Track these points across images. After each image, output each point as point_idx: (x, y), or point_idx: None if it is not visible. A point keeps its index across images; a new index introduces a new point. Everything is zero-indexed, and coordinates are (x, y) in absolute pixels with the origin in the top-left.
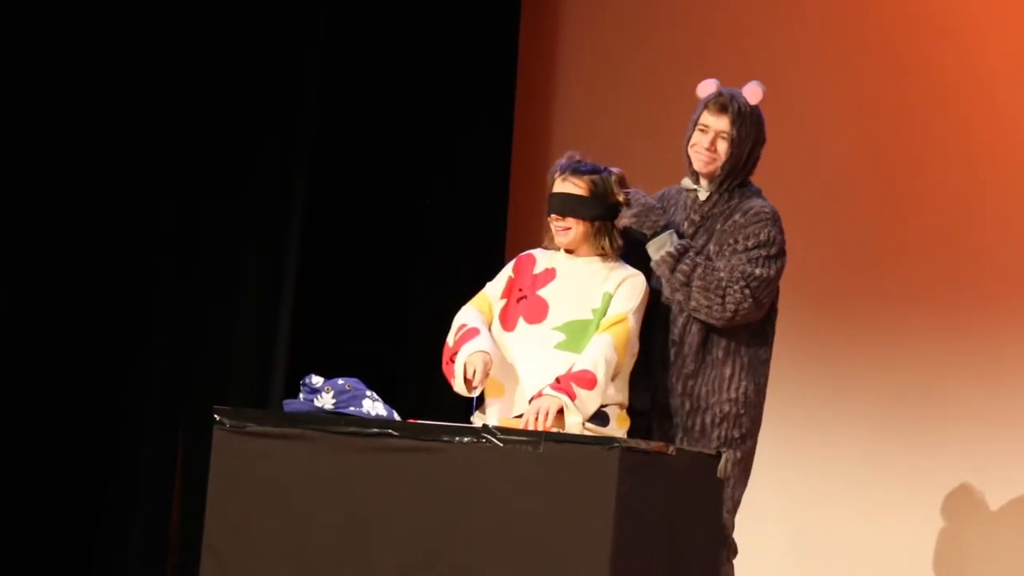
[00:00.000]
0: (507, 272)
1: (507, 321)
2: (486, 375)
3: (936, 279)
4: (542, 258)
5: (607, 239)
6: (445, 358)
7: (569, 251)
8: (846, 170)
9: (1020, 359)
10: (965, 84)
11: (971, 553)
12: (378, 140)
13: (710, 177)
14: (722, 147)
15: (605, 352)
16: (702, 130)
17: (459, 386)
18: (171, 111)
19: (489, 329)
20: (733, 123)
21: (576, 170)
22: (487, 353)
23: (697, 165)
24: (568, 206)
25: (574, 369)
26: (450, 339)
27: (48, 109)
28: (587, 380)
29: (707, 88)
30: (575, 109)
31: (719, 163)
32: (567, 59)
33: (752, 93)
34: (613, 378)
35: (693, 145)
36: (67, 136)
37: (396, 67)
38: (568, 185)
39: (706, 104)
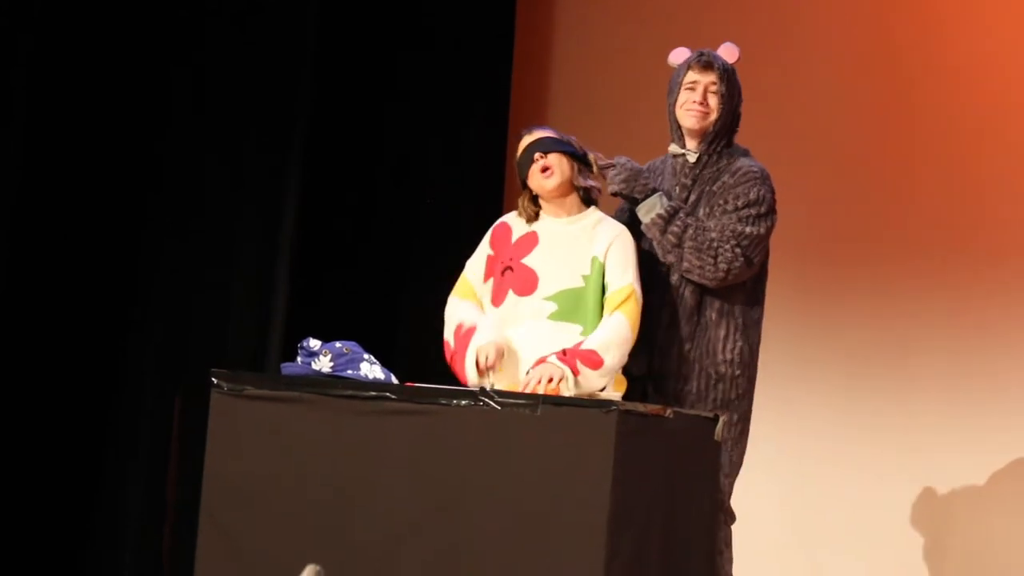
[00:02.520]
0: (485, 250)
1: (496, 296)
2: (499, 357)
3: (931, 241)
4: (518, 224)
5: (588, 179)
6: (448, 356)
7: (554, 197)
8: (841, 135)
9: (1012, 320)
10: (965, 48)
11: (958, 510)
12: (376, 110)
13: (702, 135)
14: (713, 101)
15: (619, 336)
16: (690, 88)
17: (472, 377)
18: (170, 71)
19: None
20: (720, 78)
21: (537, 126)
22: (497, 342)
23: (690, 123)
24: (547, 144)
25: (583, 346)
26: (449, 337)
27: (45, 92)
28: (593, 361)
29: (680, 55)
30: (571, 93)
31: (712, 118)
32: (563, 43)
33: (729, 53)
34: None
35: (682, 105)
36: (61, 103)
37: (391, 45)
38: (536, 133)
39: (689, 64)
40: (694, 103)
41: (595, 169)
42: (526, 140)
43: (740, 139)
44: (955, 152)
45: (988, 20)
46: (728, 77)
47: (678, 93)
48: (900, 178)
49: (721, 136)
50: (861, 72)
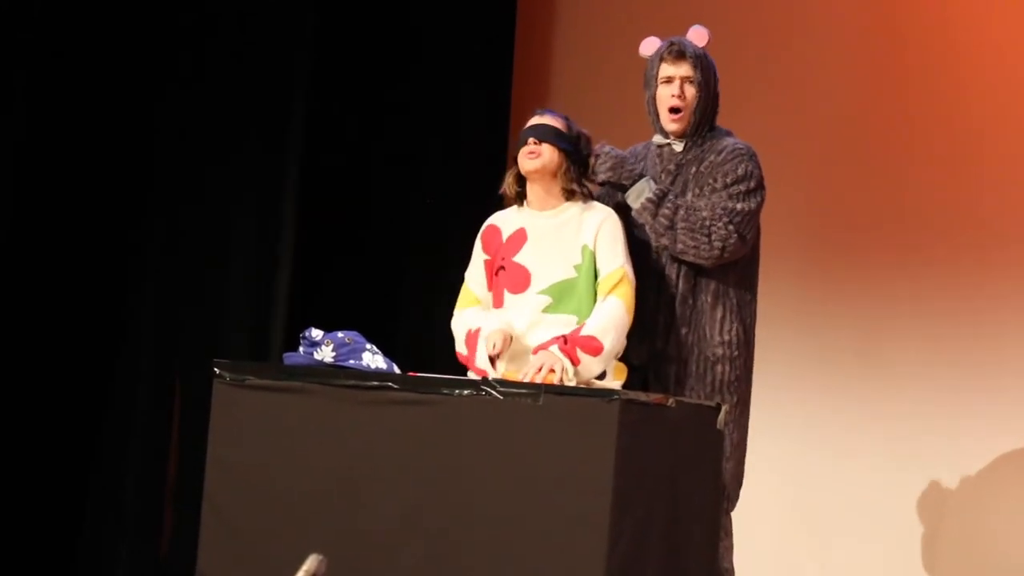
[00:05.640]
0: (480, 256)
1: (495, 298)
2: (506, 343)
3: (932, 230)
4: (506, 223)
5: (575, 182)
6: (463, 360)
7: (535, 180)
8: (843, 123)
9: (1006, 308)
10: (965, 38)
11: (957, 495)
12: (377, 94)
13: (681, 134)
14: (689, 92)
15: (615, 319)
16: (666, 81)
17: (487, 368)
18: (168, 56)
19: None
20: (694, 67)
21: (553, 112)
22: (504, 329)
23: (675, 127)
24: (545, 133)
25: (582, 332)
26: (461, 347)
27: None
28: (593, 347)
29: (651, 45)
30: (574, 68)
31: (689, 110)
32: (563, 39)
33: (698, 36)
34: None
35: (661, 100)
36: (59, 95)
37: (392, 28)
38: (545, 118)
39: (661, 56)
40: (673, 96)
41: (590, 170)
42: (532, 120)
43: (738, 125)
44: (953, 140)
45: (991, 8)
46: (701, 63)
47: (655, 88)
48: (900, 167)
49: (704, 123)
50: (862, 60)
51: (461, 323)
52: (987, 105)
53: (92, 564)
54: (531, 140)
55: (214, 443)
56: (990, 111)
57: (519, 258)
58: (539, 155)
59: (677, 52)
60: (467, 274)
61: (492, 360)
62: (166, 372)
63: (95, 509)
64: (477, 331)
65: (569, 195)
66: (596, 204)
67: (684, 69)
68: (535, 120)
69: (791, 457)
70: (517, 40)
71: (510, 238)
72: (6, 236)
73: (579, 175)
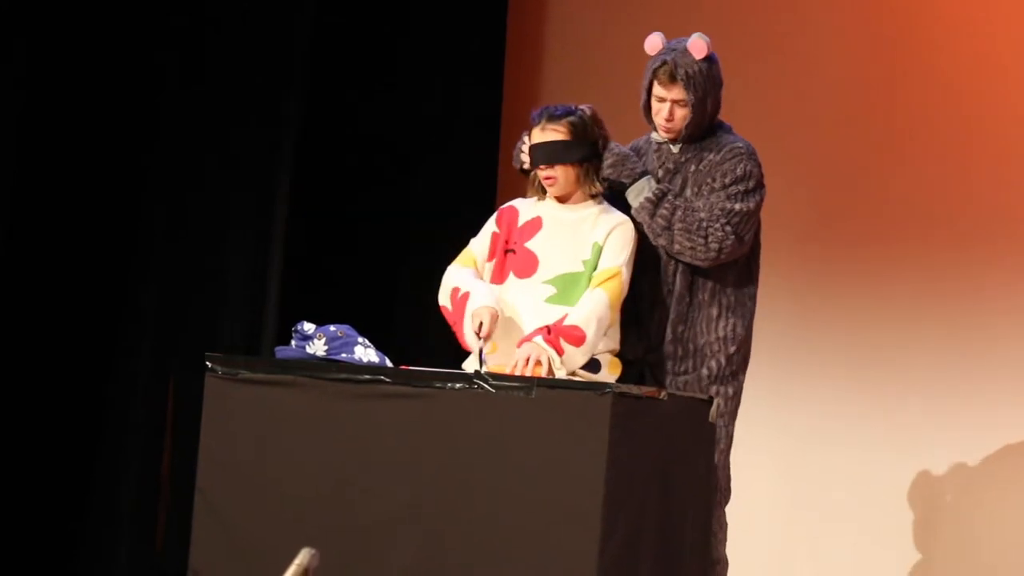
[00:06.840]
0: (490, 227)
1: (496, 275)
2: (493, 322)
3: (932, 222)
4: (525, 208)
5: (596, 180)
6: (448, 320)
7: (561, 200)
8: (842, 119)
9: (1000, 301)
10: (955, 31)
11: (953, 487)
12: (372, 93)
13: (673, 141)
14: (680, 114)
15: (598, 311)
16: (658, 99)
17: (473, 343)
18: (163, 50)
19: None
20: (686, 89)
21: (552, 116)
22: (491, 307)
23: (665, 136)
24: (553, 154)
25: (565, 322)
26: (446, 302)
27: (42, 63)
28: (576, 337)
29: (653, 44)
30: (566, 64)
31: (678, 128)
32: (557, 14)
33: (697, 49)
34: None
35: (653, 112)
36: (56, 90)
37: (385, 25)
38: (548, 133)
39: (654, 73)
40: (663, 119)
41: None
42: (537, 137)
43: (736, 122)
44: (953, 136)
45: (980, 5)
46: (695, 83)
47: (647, 98)
48: (899, 163)
49: (698, 131)
50: (860, 55)
51: (453, 277)
52: (985, 100)
53: (92, 563)
54: (542, 167)
55: (206, 437)
56: (988, 106)
57: (531, 244)
58: (555, 180)
59: (668, 75)
60: (473, 239)
61: (478, 336)
62: (163, 367)
63: (94, 507)
64: (465, 296)
65: (594, 195)
66: (615, 210)
67: (675, 92)
68: (538, 136)
69: (788, 452)
70: (509, 38)
71: (526, 224)
72: (4, 234)
73: (598, 171)
